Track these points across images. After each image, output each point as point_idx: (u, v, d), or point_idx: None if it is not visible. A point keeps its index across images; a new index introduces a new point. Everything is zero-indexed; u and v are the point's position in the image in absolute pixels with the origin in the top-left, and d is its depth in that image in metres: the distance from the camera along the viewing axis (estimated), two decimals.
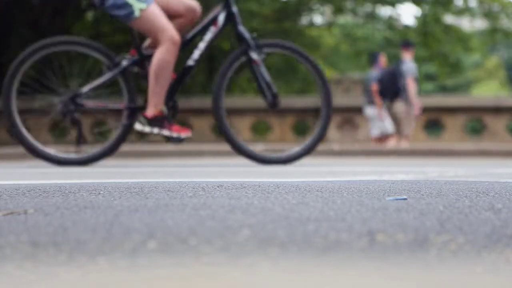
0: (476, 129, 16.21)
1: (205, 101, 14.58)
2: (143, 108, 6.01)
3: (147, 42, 6.06)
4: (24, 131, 6.08)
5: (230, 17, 6.25)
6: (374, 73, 13.31)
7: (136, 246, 1.65)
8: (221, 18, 6.23)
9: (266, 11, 20.03)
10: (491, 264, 1.55)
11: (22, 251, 1.63)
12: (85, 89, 6.05)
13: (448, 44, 21.85)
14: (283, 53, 6.65)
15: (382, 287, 1.37)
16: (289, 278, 1.42)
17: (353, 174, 4.86)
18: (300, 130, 15.53)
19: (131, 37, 6.03)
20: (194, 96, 16.44)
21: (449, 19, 22.39)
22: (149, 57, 6.00)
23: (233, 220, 1.89)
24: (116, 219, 1.94)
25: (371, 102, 13.19)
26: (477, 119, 15.29)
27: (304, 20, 22.50)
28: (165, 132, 5.94)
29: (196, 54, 6.17)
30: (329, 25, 23.71)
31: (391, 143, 12.85)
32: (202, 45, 6.19)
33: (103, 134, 6.61)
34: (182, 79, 6.12)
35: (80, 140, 6.05)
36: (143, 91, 6.05)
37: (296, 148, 6.50)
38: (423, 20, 21.52)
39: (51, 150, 6.20)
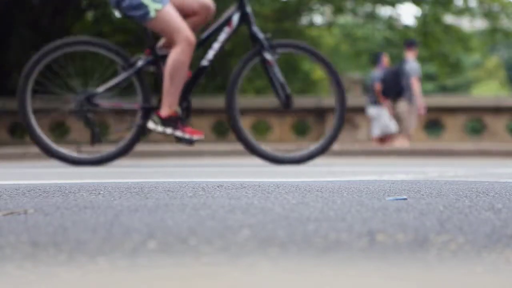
0: (476, 129, 16.20)
1: (205, 101, 14.58)
2: (157, 108, 6.03)
3: (161, 42, 6.07)
4: (39, 131, 6.10)
5: (244, 18, 6.27)
6: (377, 73, 13.32)
7: (136, 246, 1.65)
8: (236, 18, 6.24)
9: (266, 11, 20.02)
10: (491, 264, 1.55)
11: (22, 251, 1.63)
12: (101, 89, 6.07)
13: (448, 44, 21.84)
14: (297, 53, 6.66)
15: (382, 287, 1.37)
16: (289, 278, 1.42)
17: (353, 174, 4.86)
18: (300, 130, 15.52)
19: (146, 37, 6.04)
20: (194, 96, 16.41)
21: (449, 19, 22.37)
22: (163, 57, 6.02)
23: (233, 220, 1.89)
24: (116, 219, 1.94)
25: (374, 102, 13.18)
26: (477, 119, 15.29)
27: (304, 20, 22.49)
28: (178, 133, 5.96)
29: (210, 54, 6.18)
30: (329, 25, 23.69)
31: (398, 143, 12.82)
32: (216, 46, 6.20)
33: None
34: (196, 80, 6.15)
35: (94, 140, 6.06)
36: (158, 91, 6.07)
37: (310, 148, 6.51)
38: (423, 20, 21.51)
39: (65, 150, 6.21)
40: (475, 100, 16.63)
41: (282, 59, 7.09)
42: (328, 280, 1.41)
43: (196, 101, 15.28)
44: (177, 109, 5.96)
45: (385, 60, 13.62)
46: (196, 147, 11.32)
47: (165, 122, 5.94)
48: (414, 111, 13.03)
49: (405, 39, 17.23)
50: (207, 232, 1.75)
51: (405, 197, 2.47)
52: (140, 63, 6.03)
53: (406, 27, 22.53)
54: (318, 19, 24.27)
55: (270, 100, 13.90)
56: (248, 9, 6.27)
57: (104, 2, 19.57)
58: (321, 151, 6.43)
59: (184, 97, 6.06)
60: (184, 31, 5.80)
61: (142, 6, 5.82)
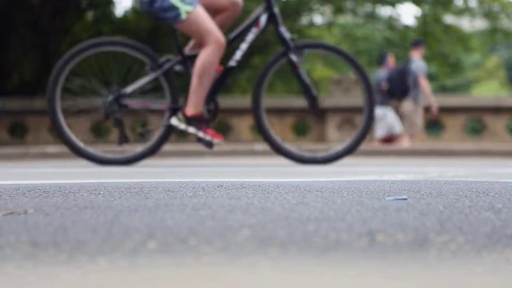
0: (476, 129, 16.20)
1: None
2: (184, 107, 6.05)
3: (191, 43, 6.09)
4: (68, 131, 6.11)
5: (271, 18, 6.28)
6: (382, 73, 13.31)
7: (136, 246, 1.65)
8: (263, 19, 6.26)
9: None
10: (491, 264, 1.55)
11: (22, 251, 1.63)
12: (129, 89, 6.08)
13: (448, 44, 21.84)
14: (325, 53, 6.66)
15: (382, 287, 1.37)
16: (289, 278, 1.42)
17: (353, 174, 4.86)
18: (300, 130, 15.51)
19: (174, 39, 6.04)
20: None
21: (449, 19, 22.37)
22: (191, 57, 6.03)
23: (233, 220, 1.89)
24: (116, 219, 1.94)
25: (379, 102, 13.14)
26: (477, 119, 15.29)
27: (304, 20, 22.48)
28: (200, 134, 5.99)
29: (238, 55, 6.19)
30: (329, 25, 23.69)
31: (405, 143, 12.79)
32: (244, 46, 6.20)
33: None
34: (224, 80, 6.16)
35: (122, 140, 6.07)
36: (185, 91, 6.07)
37: (336, 148, 6.50)
38: (423, 20, 21.51)
39: (94, 150, 6.23)
40: (475, 100, 16.62)
41: None
42: (328, 280, 1.41)
43: None
44: (202, 109, 5.99)
45: (391, 60, 13.63)
46: (196, 147, 11.33)
47: (190, 121, 5.97)
48: (420, 110, 13.01)
49: (408, 39, 17.23)
50: (207, 232, 1.75)
51: (405, 197, 2.47)
52: (168, 64, 6.06)
53: (406, 27, 22.54)
54: (318, 19, 24.27)
55: (270, 100, 13.91)
56: (276, 9, 6.28)
57: (104, 2, 19.55)
58: (348, 151, 6.41)
59: (211, 98, 6.07)
60: (214, 32, 5.83)
61: (173, 8, 5.84)
